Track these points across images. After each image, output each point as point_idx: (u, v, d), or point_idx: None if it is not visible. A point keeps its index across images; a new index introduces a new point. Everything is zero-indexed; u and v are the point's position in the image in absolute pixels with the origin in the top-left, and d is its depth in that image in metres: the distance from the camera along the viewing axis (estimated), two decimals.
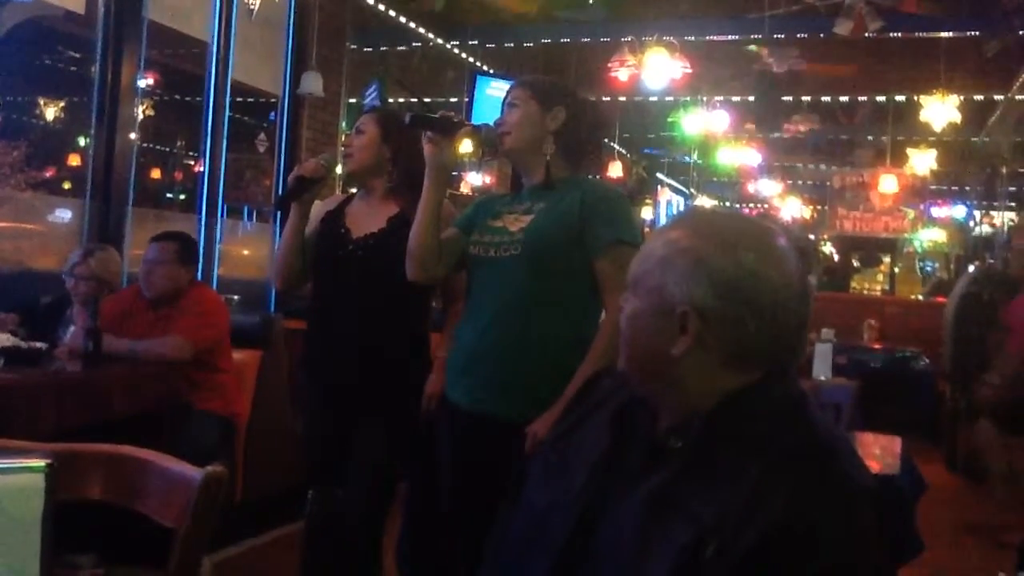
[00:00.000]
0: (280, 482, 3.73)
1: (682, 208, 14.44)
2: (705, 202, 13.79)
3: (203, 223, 5.19)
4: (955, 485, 5.79)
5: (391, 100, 6.99)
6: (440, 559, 2.53)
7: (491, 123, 2.24)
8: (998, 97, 7.75)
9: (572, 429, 1.23)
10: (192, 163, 11.42)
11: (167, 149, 11.00)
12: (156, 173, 10.41)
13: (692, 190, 13.45)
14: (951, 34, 6.57)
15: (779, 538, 0.92)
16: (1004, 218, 11.02)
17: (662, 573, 0.95)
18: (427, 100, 7.85)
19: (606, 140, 9.56)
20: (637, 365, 1.13)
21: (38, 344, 3.14)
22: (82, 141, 9.93)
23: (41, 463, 0.96)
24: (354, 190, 2.72)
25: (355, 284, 2.47)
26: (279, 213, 5.73)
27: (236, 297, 4.90)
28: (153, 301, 3.46)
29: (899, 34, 6.52)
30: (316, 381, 2.58)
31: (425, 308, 2.58)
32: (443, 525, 2.35)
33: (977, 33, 6.38)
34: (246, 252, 6.02)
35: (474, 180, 9.01)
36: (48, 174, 9.53)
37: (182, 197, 10.82)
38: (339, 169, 2.68)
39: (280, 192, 5.60)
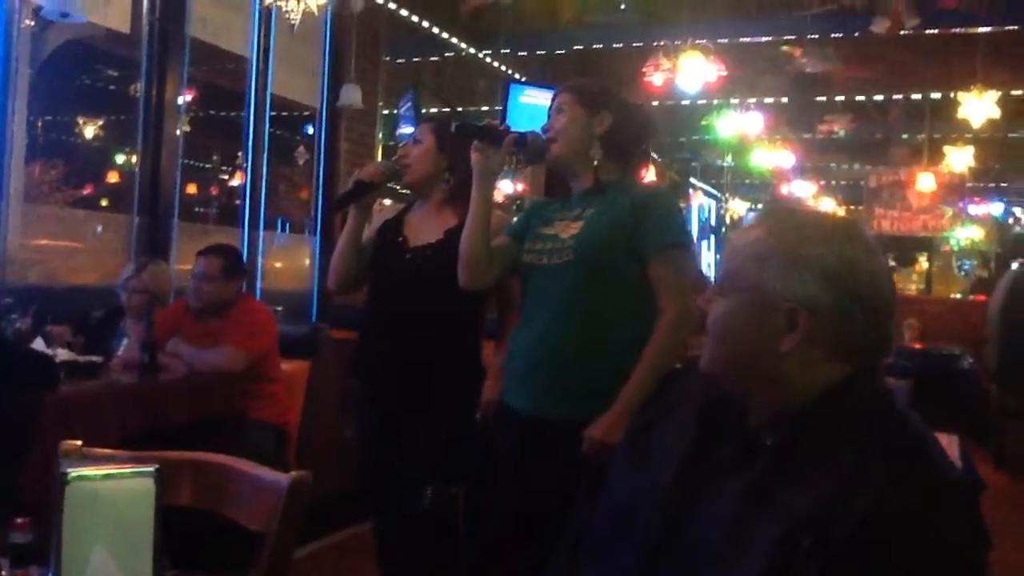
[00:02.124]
0: (331, 490, 3.76)
1: (714, 212, 14.39)
2: (739, 205, 13.73)
3: (246, 236, 5.26)
4: (1004, 483, 5.72)
5: (424, 110, 7.05)
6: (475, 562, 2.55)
7: (537, 130, 2.25)
8: None
9: (650, 425, 1.24)
10: (227, 178, 11.57)
11: (202, 164, 11.14)
12: (192, 188, 10.54)
13: (726, 194, 13.40)
14: (989, 29, 6.50)
15: (875, 531, 0.93)
16: None
17: (758, 567, 0.95)
18: (460, 109, 7.91)
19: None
20: (733, 364, 1.12)
21: (94, 357, 3.21)
22: (120, 158, 10.13)
23: (151, 468, 1.00)
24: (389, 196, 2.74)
25: (411, 293, 2.50)
26: (321, 225, 5.80)
27: (279, 308, 4.96)
28: (201, 313, 3.52)
29: (936, 30, 6.46)
30: (369, 387, 2.61)
31: (479, 317, 2.60)
32: (499, 530, 2.37)
33: (1016, 27, 6.31)
34: (288, 264, 6.08)
35: (506, 188, 9.05)
36: (86, 191, 9.70)
37: (211, 211, 10.96)
38: None
39: (330, 199, 5.67)
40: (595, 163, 2.17)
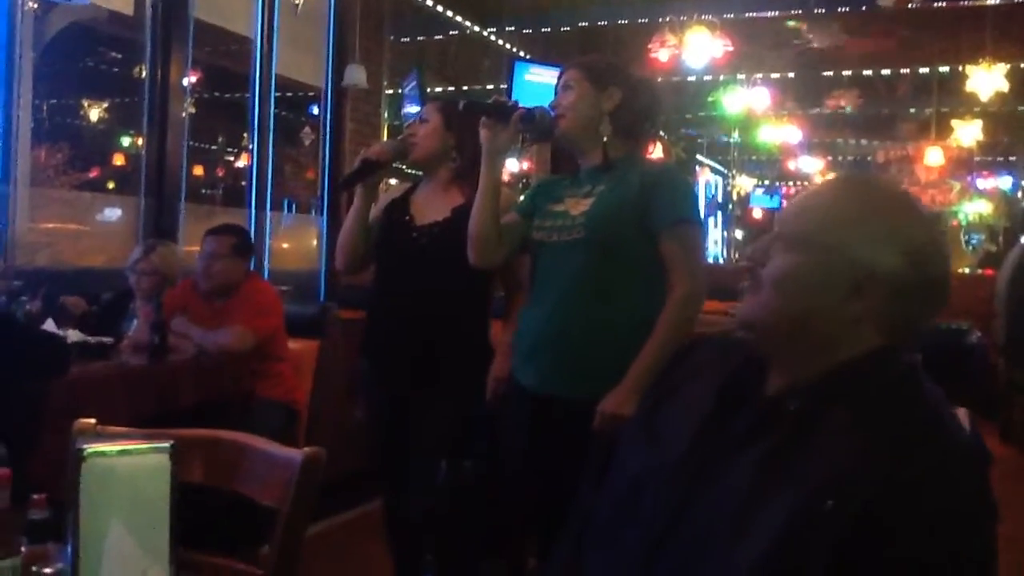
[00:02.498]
0: (339, 469, 3.78)
1: (720, 189, 14.34)
2: (745, 182, 13.69)
3: (253, 217, 5.27)
4: (1010, 456, 5.72)
5: (429, 90, 7.03)
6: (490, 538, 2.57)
7: (545, 106, 2.25)
8: None
9: (659, 403, 1.24)
10: (232, 159, 11.57)
11: (208, 146, 11.13)
12: (198, 170, 10.54)
13: (732, 170, 13.36)
14: (998, 1, 6.45)
15: (888, 501, 0.93)
16: None
17: (774, 535, 0.96)
18: (465, 88, 7.88)
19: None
20: (787, 318, 1.08)
21: (104, 338, 3.22)
22: (125, 141, 10.13)
23: (167, 444, 1.01)
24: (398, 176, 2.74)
25: (418, 271, 2.50)
26: (327, 205, 5.80)
27: (287, 288, 4.97)
28: (209, 294, 3.53)
29: (944, 3, 6.41)
30: (377, 367, 2.62)
31: (487, 295, 2.60)
32: (505, 506, 2.39)
33: None
34: (295, 244, 6.09)
35: (512, 166, 9.03)
36: (92, 175, 9.71)
37: (216, 192, 10.96)
38: None
39: (336, 179, 5.68)
40: (604, 139, 2.16)
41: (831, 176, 1.24)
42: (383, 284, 2.61)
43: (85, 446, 0.99)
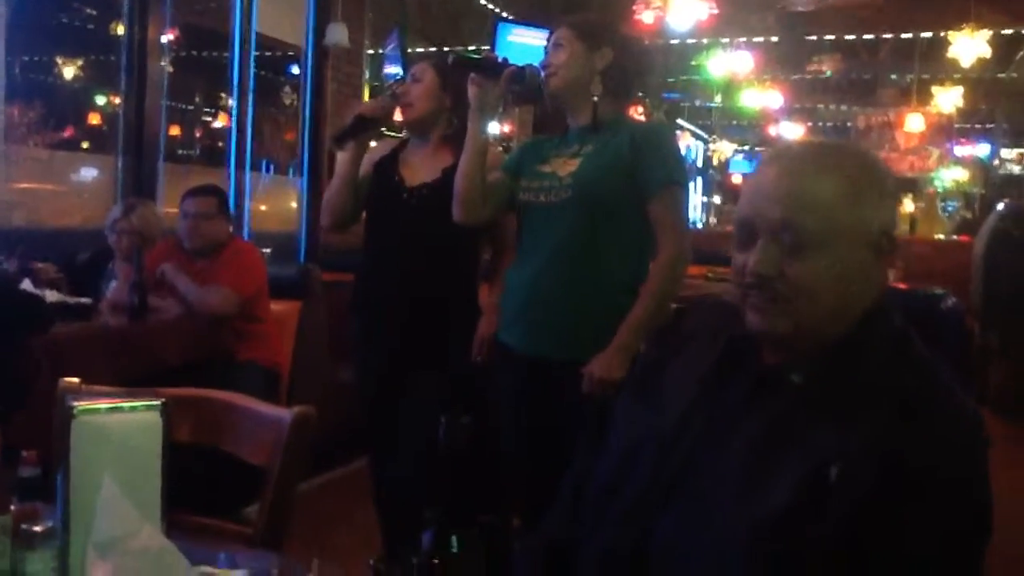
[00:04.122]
0: (321, 431, 3.78)
1: (700, 153, 14.32)
2: (725, 147, 13.68)
3: (232, 178, 5.21)
4: (986, 417, 5.80)
5: (411, 50, 6.94)
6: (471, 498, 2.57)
7: (535, 64, 2.22)
8: None
9: (659, 363, 1.24)
10: (210, 119, 11.41)
11: (185, 106, 10.98)
12: (175, 130, 10.39)
13: (713, 135, 13.34)
14: None
15: (902, 463, 0.95)
16: None
17: (784, 498, 0.97)
18: (447, 49, 7.79)
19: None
20: (830, 318, 1.07)
21: (84, 299, 3.19)
22: (101, 100, 9.96)
23: (158, 402, 0.99)
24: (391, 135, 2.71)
25: (408, 232, 2.49)
26: (308, 166, 5.75)
27: (267, 250, 4.93)
28: (194, 253, 3.49)
29: None
30: (367, 327, 2.61)
31: (475, 257, 2.60)
32: (492, 465, 2.39)
33: None
34: (275, 205, 6.04)
35: (493, 129, 8.97)
36: (66, 134, 9.55)
37: (192, 153, 10.83)
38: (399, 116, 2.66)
39: (316, 140, 5.62)
40: (595, 99, 2.14)
41: (780, 151, 1.17)
42: (374, 245, 2.60)
43: (75, 403, 0.98)
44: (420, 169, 2.53)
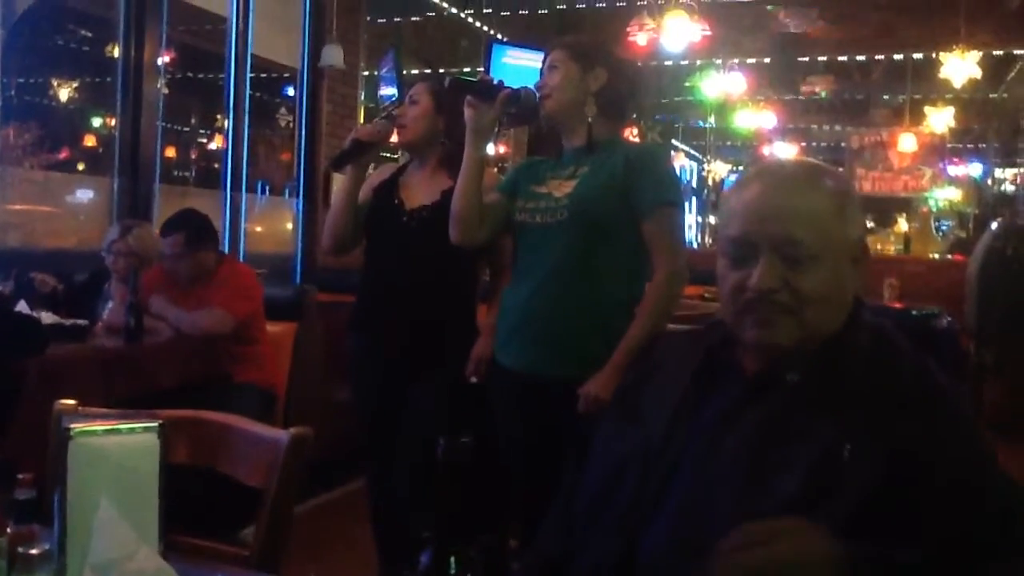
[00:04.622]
0: (318, 452, 3.77)
1: (695, 174, 14.37)
2: (719, 167, 13.73)
3: (227, 199, 5.21)
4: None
5: (406, 71, 6.98)
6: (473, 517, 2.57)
7: (530, 86, 2.24)
8: (1019, 52, 7.69)
9: (638, 384, 1.27)
10: (205, 141, 11.44)
11: (180, 128, 11.00)
12: (171, 151, 10.42)
13: (707, 155, 13.40)
14: None
15: (909, 437, 1.00)
16: None
17: (792, 488, 1.00)
18: (441, 70, 7.84)
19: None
20: (832, 322, 1.13)
21: (80, 320, 3.18)
22: (96, 121, 9.97)
23: (155, 423, 0.99)
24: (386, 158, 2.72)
25: (407, 255, 2.50)
26: (304, 188, 5.76)
27: (263, 271, 4.93)
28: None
29: None
30: (365, 349, 2.61)
31: (473, 278, 2.61)
32: (490, 485, 2.39)
33: None
34: (271, 227, 6.04)
35: (488, 150, 8.99)
36: (62, 155, 9.56)
37: (187, 175, 10.84)
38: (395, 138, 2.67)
39: (311, 161, 5.63)
40: (589, 120, 2.16)
41: (765, 170, 1.26)
42: (373, 266, 2.61)
43: (72, 425, 0.97)
44: (419, 191, 2.54)
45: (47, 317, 3.09)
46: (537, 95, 2.20)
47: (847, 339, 1.12)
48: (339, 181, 2.63)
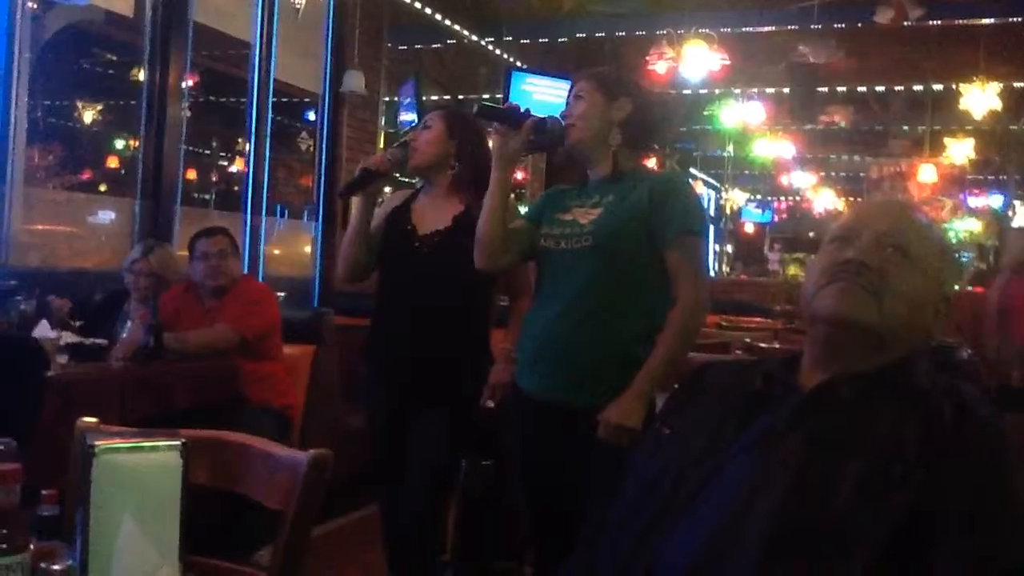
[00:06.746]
0: (334, 475, 3.77)
1: (713, 203, 14.38)
2: (738, 196, 13.72)
3: (248, 222, 5.25)
4: None
5: (426, 98, 7.04)
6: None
7: (557, 115, 2.25)
8: None
9: (683, 407, 1.28)
10: (226, 164, 11.55)
11: (202, 151, 11.11)
12: (192, 174, 10.52)
13: (725, 184, 13.40)
14: (992, 20, 6.49)
15: (954, 460, 1.02)
16: None
17: (841, 500, 1.02)
18: (461, 97, 7.90)
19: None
20: (901, 329, 1.17)
21: (99, 340, 3.20)
22: (119, 144, 10.09)
23: (178, 442, 1.00)
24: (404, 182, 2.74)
25: (420, 280, 2.51)
26: (323, 212, 5.79)
27: (282, 294, 4.96)
28: (210, 293, 3.53)
29: (939, 22, 6.46)
30: (378, 375, 2.61)
31: (488, 305, 2.61)
32: (507, 511, 2.38)
33: (1019, 19, 6.31)
34: (289, 250, 6.08)
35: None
36: (84, 176, 9.67)
37: (207, 197, 10.94)
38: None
39: (332, 186, 5.68)
40: (613, 149, 2.17)
41: (887, 192, 1.38)
42: (387, 293, 2.61)
43: (97, 442, 0.98)
44: (431, 217, 2.55)
45: (67, 337, 3.11)
46: (563, 123, 2.21)
47: (909, 366, 1.15)
48: (352, 210, 2.64)
